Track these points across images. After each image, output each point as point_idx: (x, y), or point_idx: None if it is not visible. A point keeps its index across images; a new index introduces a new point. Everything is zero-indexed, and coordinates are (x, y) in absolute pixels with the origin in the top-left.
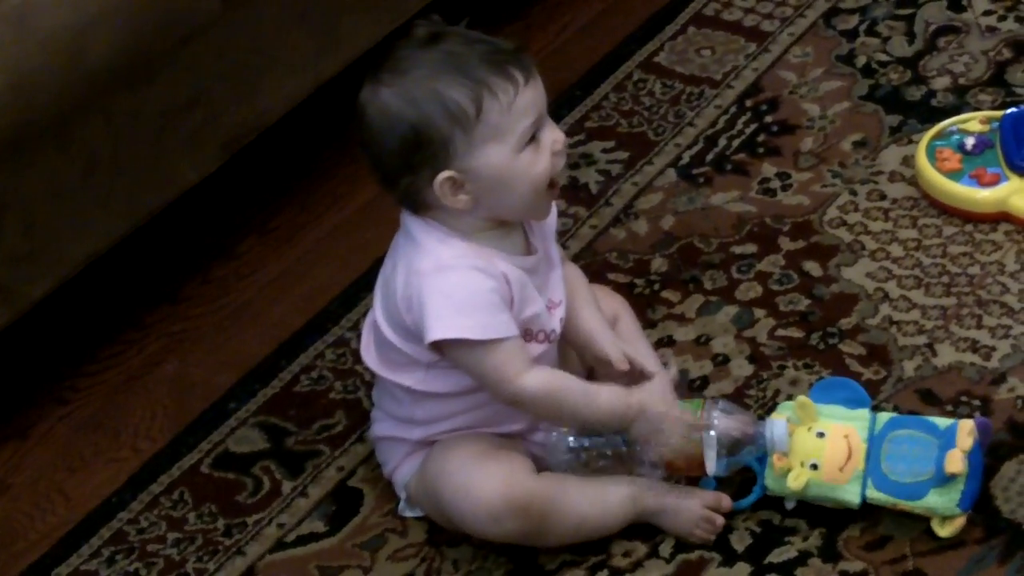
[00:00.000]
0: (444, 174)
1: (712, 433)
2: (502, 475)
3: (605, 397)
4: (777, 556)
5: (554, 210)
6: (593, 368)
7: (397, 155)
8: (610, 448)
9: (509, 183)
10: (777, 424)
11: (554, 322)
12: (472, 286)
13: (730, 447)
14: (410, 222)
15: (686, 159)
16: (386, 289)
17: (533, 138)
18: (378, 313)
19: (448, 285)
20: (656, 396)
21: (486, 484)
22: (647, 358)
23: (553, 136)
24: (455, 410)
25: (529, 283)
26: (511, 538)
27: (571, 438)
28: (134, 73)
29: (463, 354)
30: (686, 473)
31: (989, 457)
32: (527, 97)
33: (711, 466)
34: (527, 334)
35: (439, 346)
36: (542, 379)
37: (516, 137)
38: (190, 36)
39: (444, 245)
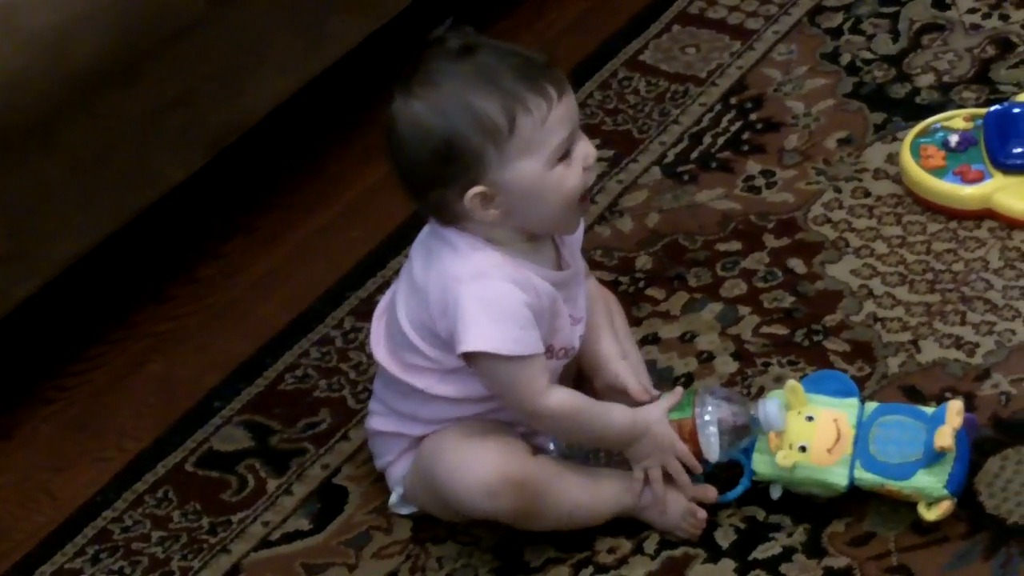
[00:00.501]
0: (476, 188)
1: (708, 419)
2: (500, 452)
3: (618, 416)
4: (762, 552)
5: (581, 224)
6: (592, 385)
7: (428, 168)
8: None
9: (541, 198)
10: (770, 403)
11: (574, 339)
12: (508, 299)
13: (729, 433)
14: (444, 230)
15: (671, 157)
16: (414, 291)
17: (567, 153)
18: (402, 314)
19: (484, 295)
20: (660, 416)
21: (484, 459)
22: (644, 375)
23: (585, 151)
24: (463, 414)
25: (559, 298)
26: (503, 516)
27: (555, 447)
28: (119, 73)
29: (492, 367)
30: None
31: (974, 453)
32: (560, 112)
33: (712, 453)
34: (549, 350)
35: (468, 356)
36: (563, 399)
37: (549, 152)
38: (175, 36)
39: (481, 253)
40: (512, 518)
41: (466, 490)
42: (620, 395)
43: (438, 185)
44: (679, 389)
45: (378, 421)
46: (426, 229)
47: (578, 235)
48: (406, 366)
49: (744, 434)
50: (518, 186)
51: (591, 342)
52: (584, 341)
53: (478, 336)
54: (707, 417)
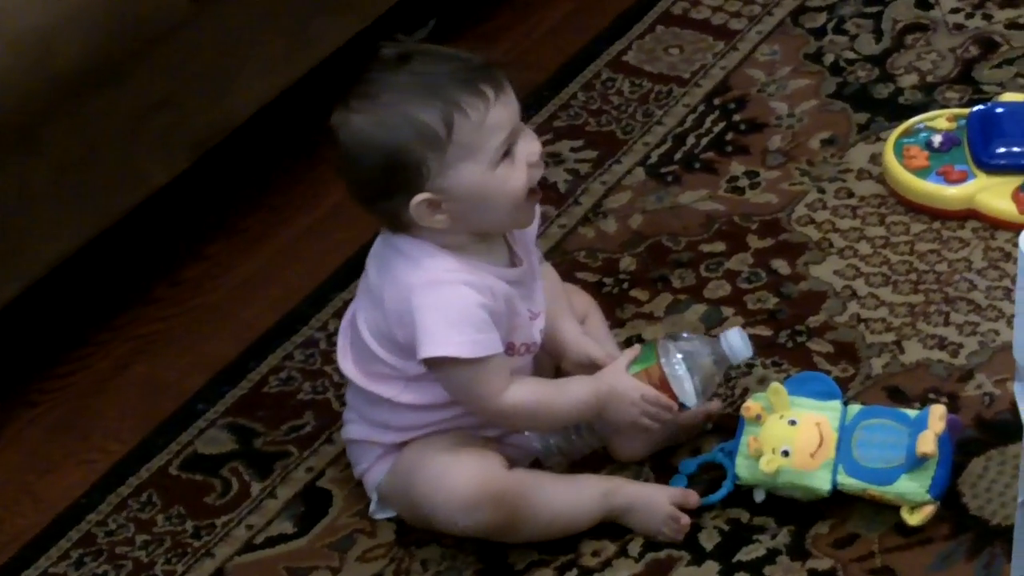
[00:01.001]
0: (420, 196)
1: (676, 364)
2: (477, 466)
3: (576, 388)
4: (746, 554)
5: (536, 218)
6: (565, 371)
7: (372, 179)
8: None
9: (487, 199)
10: (731, 333)
11: (534, 333)
12: (464, 302)
13: (700, 373)
14: (397, 238)
15: (654, 158)
16: (371, 301)
17: (508, 152)
18: (362, 325)
19: (440, 301)
20: (620, 372)
21: (461, 474)
22: (614, 349)
23: (529, 148)
24: (431, 420)
25: (515, 295)
26: (483, 531)
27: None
28: (103, 74)
29: (452, 371)
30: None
31: (957, 454)
32: (499, 112)
33: (688, 397)
34: (510, 347)
35: (429, 362)
36: (522, 392)
37: (490, 154)
38: (159, 37)
39: (433, 259)
40: (492, 532)
41: (444, 506)
42: (590, 369)
43: (384, 195)
44: (636, 345)
45: (352, 430)
46: (380, 238)
47: (532, 231)
48: (371, 376)
49: (715, 372)
50: (463, 190)
51: (551, 328)
52: (545, 331)
53: (437, 342)
54: (675, 363)
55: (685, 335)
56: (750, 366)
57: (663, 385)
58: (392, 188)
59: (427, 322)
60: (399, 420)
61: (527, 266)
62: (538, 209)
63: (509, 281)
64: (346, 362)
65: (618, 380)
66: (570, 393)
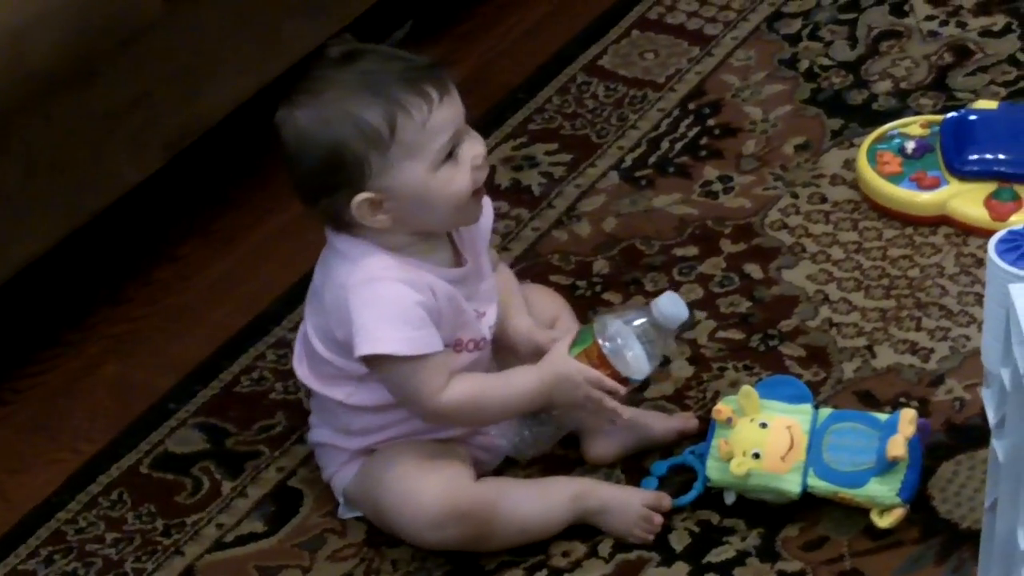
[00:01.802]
0: (361, 195)
1: (616, 339)
2: (442, 483)
3: (519, 379)
4: (716, 556)
5: (489, 220)
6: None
7: (314, 177)
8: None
9: (428, 200)
10: (662, 299)
11: (483, 330)
12: (399, 300)
13: (641, 345)
14: (337, 238)
15: (629, 162)
16: (316, 302)
17: (451, 153)
18: (309, 326)
19: (375, 298)
20: (560, 356)
21: (426, 493)
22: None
23: (472, 151)
24: (389, 422)
25: (458, 295)
26: (454, 545)
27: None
28: (75, 74)
29: (390, 369)
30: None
31: (927, 458)
32: (442, 113)
33: (633, 370)
34: (457, 344)
35: (367, 360)
36: (462, 388)
37: (433, 154)
38: (132, 37)
39: (371, 258)
40: (462, 545)
41: (412, 524)
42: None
43: (326, 193)
44: (573, 327)
45: (316, 434)
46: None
47: (484, 231)
48: (322, 378)
49: (655, 340)
50: (405, 190)
51: (504, 326)
52: (499, 327)
53: (371, 339)
54: (612, 338)
55: (621, 309)
56: (722, 369)
57: (603, 363)
58: (334, 186)
59: (362, 320)
60: (356, 423)
61: (472, 265)
62: (490, 209)
63: (452, 280)
64: (301, 366)
65: (560, 364)
66: (513, 384)
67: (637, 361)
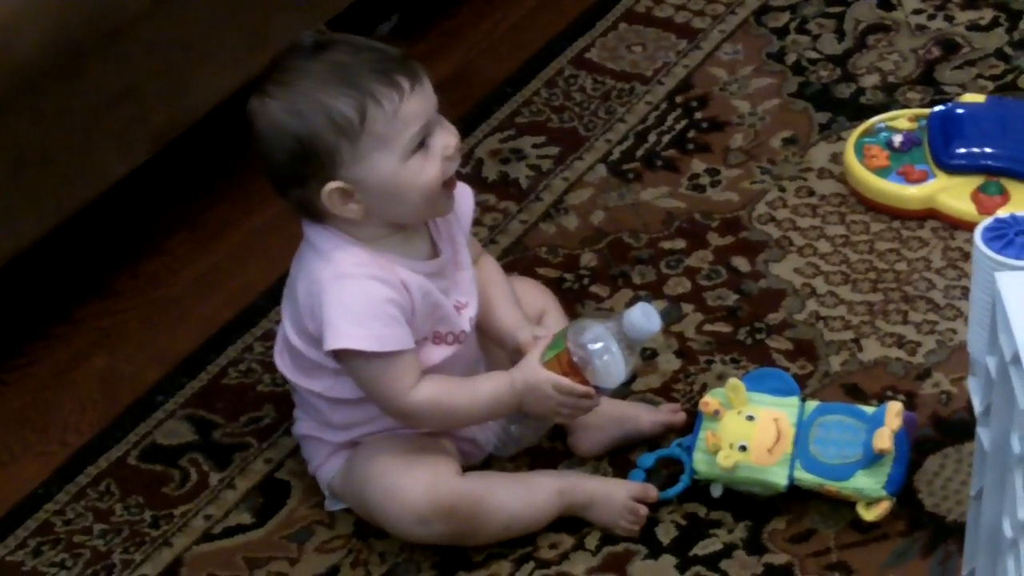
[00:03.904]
0: (331, 185)
1: (589, 346)
2: (428, 478)
3: (489, 386)
4: (702, 548)
5: (469, 209)
6: (513, 360)
7: (285, 167)
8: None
9: (399, 191)
10: (632, 311)
11: (463, 323)
12: (369, 296)
13: (612, 353)
14: (310, 229)
15: (616, 155)
16: (291, 296)
17: (423, 144)
18: (285, 318)
19: (345, 294)
20: (532, 365)
21: (412, 488)
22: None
23: (444, 141)
24: (370, 416)
25: (433, 288)
26: (440, 540)
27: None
28: (62, 68)
29: (358, 365)
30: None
31: (914, 451)
32: (413, 104)
33: (602, 378)
34: (436, 337)
35: (337, 355)
36: (430, 390)
37: (403, 145)
38: (119, 30)
39: (343, 252)
40: (448, 540)
41: (398, 519)
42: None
43: (297, 183)
44: (550, 334)
45: (300, 427)
46: None
47: (463, 221)
48: (301, 371)
49: (627, 350)
50: (375, 180)
51: (489, 319)
52: (484, 320)
53: (339, 335)
54: (583, 346)
55: (595, 315)
56: (709, 362)
57: (574, 370)
58: (305, 176)
59: (331, 315)
60: (336, 417)
61: (448, 256)
62: (470, 199)
63: (428, 273)
64: (282, 359)
65: (530, 373)
66: (482, 391)
67: (607, 368)
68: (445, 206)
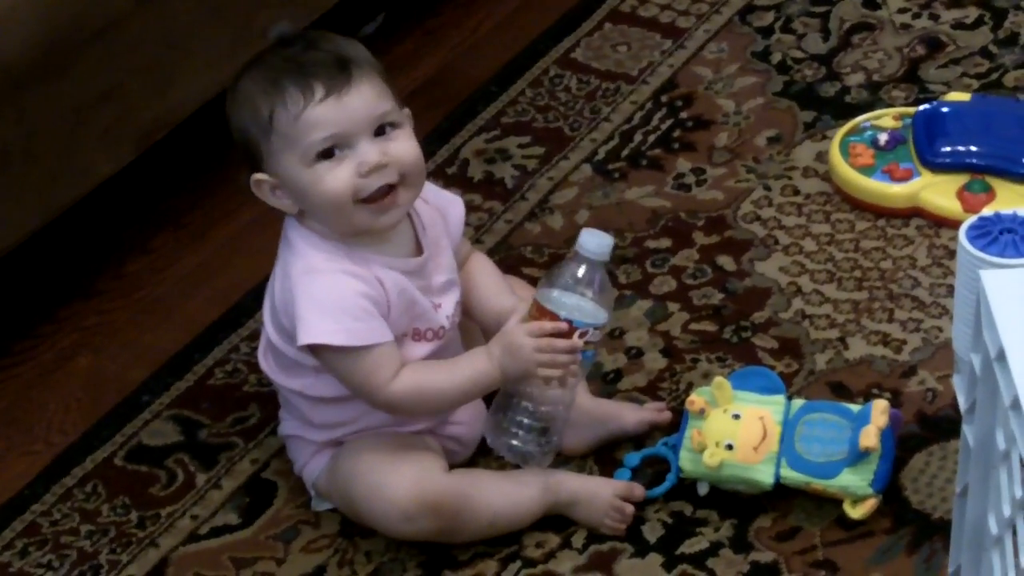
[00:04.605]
0: (256, 175)
1: (555, 289)
2: (413, 475)
3: (467, 360)
4: (689, 547)
5: (458, 221)
6: None
7: (238, 153)
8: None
9: (305, 195)
10: (581, 237)
11: (441, 320)
12: (340, 290)
13: (578, 287)
14: (288, 226)
15: (601, 154)
16: (270, 292)
17: (330, 154)
18: (265, 317)
19: (316, 289)
20: (510, 328)
21: (397, 485)
22: None
23: (362, 157)
24: (351, 415)
25: (410, 286)
26: (425, 537)
27: (513, 441)
28: (47, 66)
29: (333, 360)
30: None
31: (899, 449)
32: (321, 111)
33: (575, 311)
34: (415, 333)
35: (312, 350)
36: (406, 380)
37: (304, 150)
38: (103, 29)
39: (316, 249)
40: (433, 536)
41: (383, 516)
42: None
43: (245, 169)
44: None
45: (284, 426)
46: None
47: (452, 229)
48: (282, 369)
49: (590, 276)
50: (286, 179)
51: (484, 305)
52: (479, 308)
53: (310, 329)
54: (546, 287)
55: (553, 272)
56: (695, 361)
57: (544, 314)
58: (245, 162)
59: (302, 309)
60: (318, 416)
61: (428, 257)
62: (460, 208)
63: (406, 271)
64: (265, 358)
65: (503, 335)
66: (460, 368)
67: (573, 300)
68: (367, 221)
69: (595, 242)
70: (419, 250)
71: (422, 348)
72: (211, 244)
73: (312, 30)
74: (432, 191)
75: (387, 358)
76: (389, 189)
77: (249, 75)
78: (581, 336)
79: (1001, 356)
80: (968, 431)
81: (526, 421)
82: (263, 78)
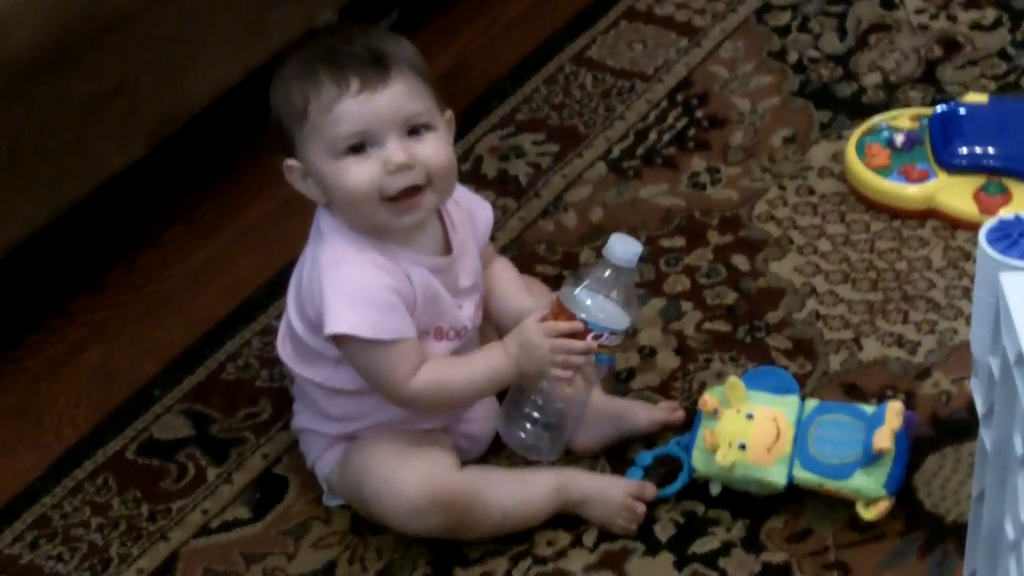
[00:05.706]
0: (288, 160)
1: (579, 291)
2: (424, 471)
3: (484, 356)
4: (700, 546)
5: (486, 224)
6: None
7: (274, 136)
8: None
9: (329, 187)
10: (610, 242)
11: (463, 319)
12: (367, 282)
13: (603, 289)
14: (320, 215)
15: (616, 152)
16: (296, 279)
17: (360, 149)
18: (290, 302)
19: (344, 279)
20: (528, 325)
21: (409, 480)
22: None
23: (389, 155)
24: (367, 409)
25: (436, 283)
26: (435, 533)
27: (521, 433)
28: (58, 60)
29: (357, 351)
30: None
31: (913, 451)
32: (353, 105)
33: (593, 313)
34: (438, 332)
35: (336, 340)
36: (425, 376)
37: (331, 142)
38: (115, 22)
39: (347, 239)
40: (443, 533)
41: (393, 511)
42: None
43: (277, 153)
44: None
45: (299, 419)
46: None
47: (479, 231)
48: (301, 358)
49: (615, 282)
50: (314, 168)
51: (505, 305)
52: (500, 308)
53: (336, 319)
54: (569, 287)
55: (578, 274)
56: (708, 360)
57: (563, 312)
58: (281, 147)
59: (330, 300)
60: (334, 408)
61: (456, 258)
62: (489, 213)
63: (433, 268)
64: (284, 346)
65: (520, 331)
66: (477, 362)
67: (594, 302)
68: (388, 220)
69: (622, 248)
70: (448, 249)
71: (443, 347)
72: (222, 239)
73: (359, 23)
74: (463, 194)
75: (409, 354)
76: (416, 190)
77: (291, 60)
78: (596, 339)
79: (1020, 360)
80: (985, 435)
81: (536, 415)
82: (301, 65)
